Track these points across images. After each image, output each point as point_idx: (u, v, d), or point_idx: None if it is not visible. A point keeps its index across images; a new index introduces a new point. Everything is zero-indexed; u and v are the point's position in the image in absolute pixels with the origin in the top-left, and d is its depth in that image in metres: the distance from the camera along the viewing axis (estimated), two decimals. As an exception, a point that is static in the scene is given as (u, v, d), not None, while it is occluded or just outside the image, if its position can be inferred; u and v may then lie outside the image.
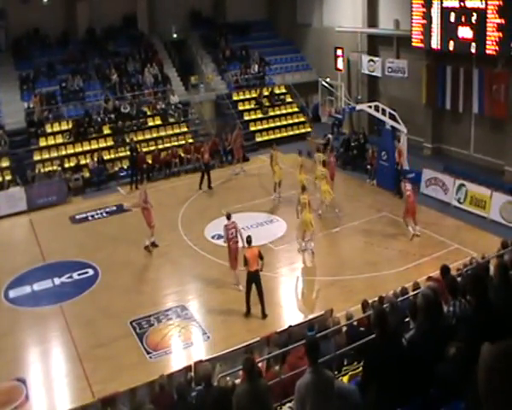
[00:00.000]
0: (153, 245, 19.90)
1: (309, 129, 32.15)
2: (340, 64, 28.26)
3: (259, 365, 10.03)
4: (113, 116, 29.82)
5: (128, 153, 27.73)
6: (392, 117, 24.76)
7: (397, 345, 5.64)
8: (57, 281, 18.44)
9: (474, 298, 4.49)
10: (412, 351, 5.46)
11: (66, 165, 27.39)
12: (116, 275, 18.37)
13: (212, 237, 20.44)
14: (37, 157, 27.76)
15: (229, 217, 17.38)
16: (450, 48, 24.37)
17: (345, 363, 9.75)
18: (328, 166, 22.59)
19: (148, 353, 14.45)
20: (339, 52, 28.39)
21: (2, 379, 13.67)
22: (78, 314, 16.47)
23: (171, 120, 30.69)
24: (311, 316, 14.72)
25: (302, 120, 33.10)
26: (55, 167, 26.95)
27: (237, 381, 9.37)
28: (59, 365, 14.60)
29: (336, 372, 8.58)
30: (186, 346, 14.86)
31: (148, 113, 30.74)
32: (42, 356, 14.95)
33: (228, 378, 9.69)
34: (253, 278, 15.42)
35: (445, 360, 5.12)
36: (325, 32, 33.96)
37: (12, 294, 17.90)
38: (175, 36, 35.87)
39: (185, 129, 30.67)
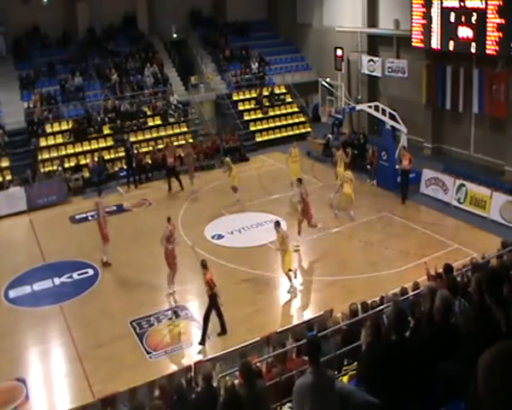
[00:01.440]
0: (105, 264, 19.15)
1: (309, 129, 32.16)
2: (340, 64, 28.25)
3: (259, 365, 10.04)
4: (113, 116, 29.83)
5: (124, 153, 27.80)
6: (392, 117, 24.77)
7: (403, 343, 5.64)
8: (57, 281, 18.44)
9: (489, 296, 4.47)
10: (420, 350, 5.46)
11: (66, 165, 27.40)
12: (116, 275, 18.40)
13: (212, 237, 20.46)
14: (37, 157, 27.79)
15: (169, 220, 17.23)
16: (451, 48, 24.38)
17: (345, 363, 9.75)
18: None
19: (148, 353, 14.47)
20: (339, 52, 28.37)
21: (3, 379, 13.70)
22: (78, 314, 16.48)
23: (171, 119, 30.72)
24: (310, 316, 14.71)
25: (302, 119, 33.16)
26: (55, 167, 26.96)
27: (237, 381, 9.37)
28: (59, 365, 14.60)
29: (336, 372, 8.58)
30: (186, 346, 14.85)
31: (148, 113, 30.78)
32: (42, 356, 14.94)
33: (228, 378, 9.69)
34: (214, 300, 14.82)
35: (450, 359, 5.13)
36: (325, 32, 33.97)
37: (12, 294, 17.90)
38: (175, 36, 35.88)
39: (185, 129, 30.71)
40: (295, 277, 16.89)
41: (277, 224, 16.99)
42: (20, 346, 15.33)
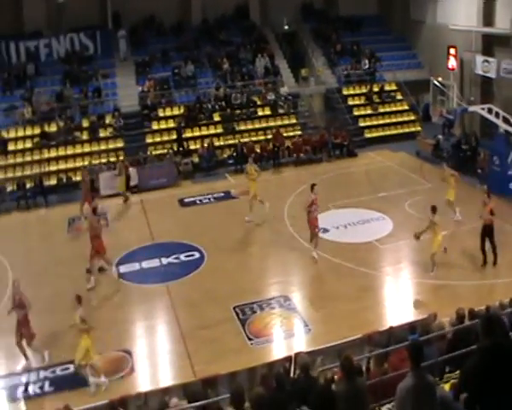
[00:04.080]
0: (100, 270, 18.29)
1: (419, 128, 31.37)
2: (453, 63, 27.31)
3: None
4: (223, 104, 30.31)
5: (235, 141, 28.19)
6: (506, 121, 23.68)
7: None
8: (164, 261, 18.90)
9: None
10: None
11: (176, 149, 28.12)
12: (221, 260, 18.60)
13: (318, 231, 20.32)
14: (149, 140, 28.71)
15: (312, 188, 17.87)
16: None
17: (446, 370, 9.44)
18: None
19: (250, 339, 14.50)
20: (452, 51, 27.44)
21: (110, 349, 14.18)
22: (183, 295, 16.80)
23: (281, 111, 30.84)
24: (413, 318, 14.33)
25: (412, 118, 32.36)
26: (165, 151, 27.73)
27: (336, 377, 9.26)
28: (163, 341, 14.94)
29: (437, 379, 8.30)
30: (287, 336, 14.80)
31: (258, 102, 31.06)
32: (147, 331, 15.36)
33: (328, 373, 9.59)
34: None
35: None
36: (438, 30, 32.91)
37: (122, 269, 18.50)
38: (286, 28, 35.99)
39: (294, 121, 30.74)
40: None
41: (433, 209, 16.86)
42: (128, 319, 15.83)
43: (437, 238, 16.91)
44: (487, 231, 17.22)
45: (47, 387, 13.07)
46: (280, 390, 8.61)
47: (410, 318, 14.68)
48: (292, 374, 11.16)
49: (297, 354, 12.28)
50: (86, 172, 24.22)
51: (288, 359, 12.27)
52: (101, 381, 12.95)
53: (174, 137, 28.74)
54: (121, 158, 26.50)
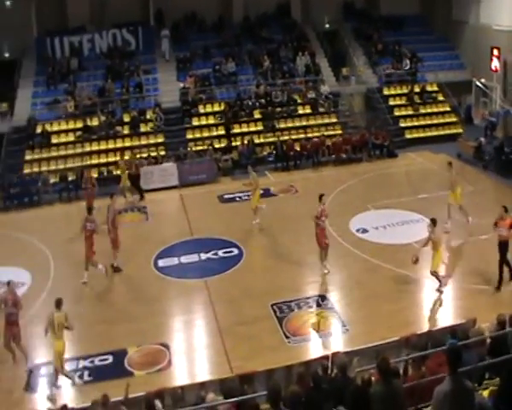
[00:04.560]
0: (115, 269, 18.30)
1: (460, 130, 30.91)
2: (496, 64, 26.83)
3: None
4: (263, 101, 30.35)
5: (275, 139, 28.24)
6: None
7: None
8: (203, 256, 19.02)
9: None
10: None
11: (217, 145, 28.28)
12: (260, 257, 18.66)
13: (357, 231, 20.19)
14: (189, 136, 28.92)
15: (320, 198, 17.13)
16: None
17: (486, 377, 9.29)
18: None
19: (287, 337, 14.46)
20: (495, 52, 26.93)
21: (149, 342, 14.32)
22: (221, 291, 16.85)
23: (321, 109, 30.78)
24: (452, 323, 14.14)
25: (454, 120, 31.88)
26: (205, 147, 27.89)
27: (373, 378, 9.20)
28: (200, 336, 15.00)
29: (476, 385, 8.18)
30: (324, 336, 14.74)
31: (299, 101, 31.06)
32: (185, 325, 15.47)
33: (365, 374, 9.53)
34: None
35: None
36: (481, 30, 32.39)
37: (161, 263, 18.72)
38: (327, 26, 35.93)
39: (334, 120, 30.65)
40: (442, 283, 16.20)
41: (433, 222, 16.06)
42: (166, 313, 15.98)
43: (437, 254, 15.84)
44: (503, 248, 16.06)
45: (86, 376, 13.26)
46: (316, 390, 8.60)
47: (448, 322, 14.53)
48: (329, 373, 11.14)
49: (334, 354, 12.25)
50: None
51: (326, 358, 12.23)
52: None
53: (214, 133, 28.98)
54: (126, 158, 26.14)
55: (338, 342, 14.32)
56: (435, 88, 33.22)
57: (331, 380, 9.36)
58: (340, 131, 29.71)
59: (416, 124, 31.31)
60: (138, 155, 26.74)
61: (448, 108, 32.39)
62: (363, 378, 8.59)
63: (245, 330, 14.69)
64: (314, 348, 14.09)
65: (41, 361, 13.75)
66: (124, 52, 32.25)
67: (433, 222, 15.95)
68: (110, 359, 13.67)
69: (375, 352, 11.55)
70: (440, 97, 32.85)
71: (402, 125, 31.22)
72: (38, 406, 12.59)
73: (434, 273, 15.96)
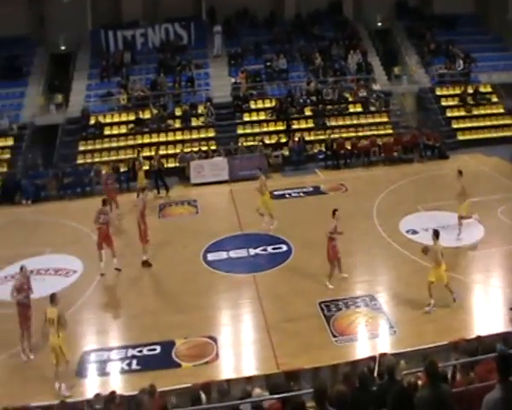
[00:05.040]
0: (145, 264, 18.33)
1: (514, 133, 30.32)
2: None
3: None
4: (314, 99, 30.29)
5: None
6: None
7: None
8: (252, 251, 19.06)
9: None
10: None
11: (267, 141, 28.37)
12: (308, 255, 18.53)
13: (407, 232, 19.94)
14: (240, 131, 29.08)
15: (333, 213, 16.40)
16: None
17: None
18: None
19: (334, 336, 14.37)
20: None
21: (196, 334, 14.44)
22: (269, 287, 16.86)
23: (372, 108, 30.62)
24: (503, 329, 13.88)
25: (508, 122, 31.25)
26: (255, 143, 28.01)
27: (420, 382, 9.12)
28: (248, 331, 15.05)
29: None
30: (372, 336, 14.62)
31: (350, 99, 30.94)
32: (233, 320, 15.50)
33: (411, 377, 9.45)
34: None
35: None
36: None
37: (210, 257, 18.83)
38: (379, 24, 35.72)
39: (386, 119, 30.47)
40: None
41: (436, 234, 15.24)
42: (214, 306, 16.06)
43: (439, 269, 15.08)
44: None
45: (134, 365, 13.43)
46: (363, 390, 8.58)
47: (499, 328, 14.27)
48: (375, 374, 11.09)
49: (381, 355, 12.19)
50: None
51: (373, 359, 12.18)
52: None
53: (265, 129, 29.14)
54: (135, 156, 26.12)
55: (385, 344, 14.18)
56: (489, 89, 32.67)
57: (379, 382, 9.33)
58: (390, 131, 29.49)
59: (468, 125, 30.83)
60: (189, 149, 27.13)
61: (502, 110, 31.81)
62: (410, 382, 8.55)
63: (292, 327, 14.68)
64: (361, 349, 13.98)
65: (90, 348, 14.05)
66: (176, 47, 32.67)
67: (436, 234, 15.23)
68: (158, 349, 13.84)
69: (422, 355, 11.43)
70: (494, 99, 32.30)
71: (454, 126, 30.79)
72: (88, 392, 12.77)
73: (447, 286, 15.21)
